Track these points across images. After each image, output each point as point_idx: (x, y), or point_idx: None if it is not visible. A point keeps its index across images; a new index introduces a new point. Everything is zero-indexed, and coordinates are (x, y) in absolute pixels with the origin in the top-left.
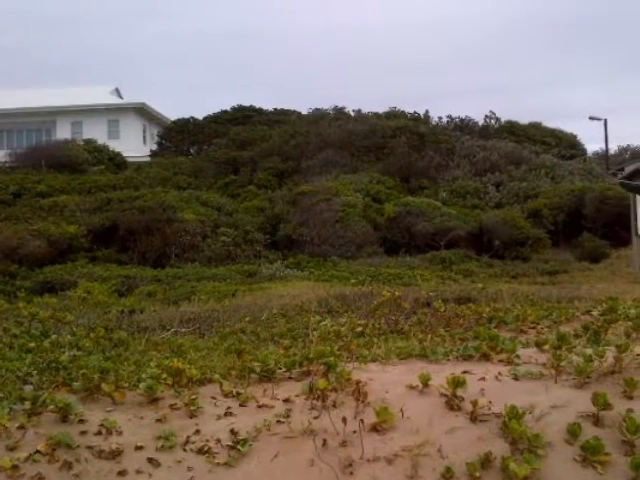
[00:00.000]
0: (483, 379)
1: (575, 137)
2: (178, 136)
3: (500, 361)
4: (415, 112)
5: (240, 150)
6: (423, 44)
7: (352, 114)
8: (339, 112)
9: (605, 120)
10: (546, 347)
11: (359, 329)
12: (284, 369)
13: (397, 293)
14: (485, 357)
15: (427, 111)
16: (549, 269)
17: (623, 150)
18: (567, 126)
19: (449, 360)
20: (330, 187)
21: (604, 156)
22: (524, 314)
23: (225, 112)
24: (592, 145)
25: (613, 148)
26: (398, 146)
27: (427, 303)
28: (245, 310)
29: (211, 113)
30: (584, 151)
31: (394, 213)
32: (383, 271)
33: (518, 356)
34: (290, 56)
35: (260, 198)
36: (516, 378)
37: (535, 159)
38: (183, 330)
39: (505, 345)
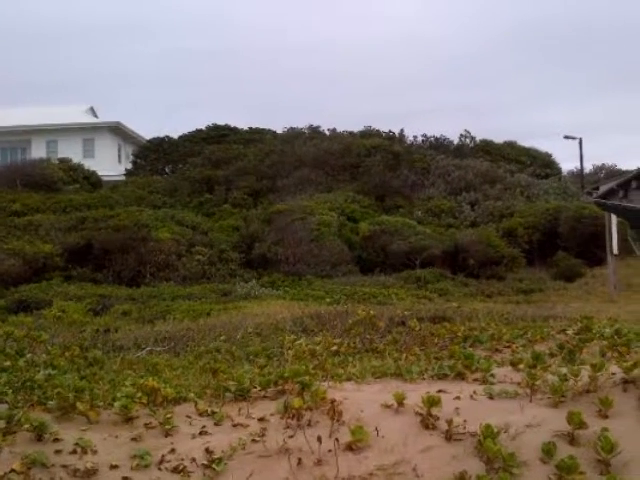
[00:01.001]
0: (458, 398)
1: (550, 156)
2: (153, 155)
3: (475, 380)
4: (390, 131)
5: (215, 169)
6: (398, 62)
7: (327, 133)
8: (314, 131)
9: (580, 139)
10: (521, 366)
11: (334, 348)
12: (259, 388)
13: (372, 312)
14: (460, 376)
15: (402, 130)
16: (524, 288)
17: (598, 169)
18: (542, 145)
19: (424, 379)
20: (305, 206)
21: (579, 175)
22: (499, 333)
23: (200, 131)
24: (567, 164)
25: (588, 167)
26: (373, 165)
27: (402, 322)
28: (220, 329)
29: (186, 132)
30: (559, 170)
31: (369, 232)
32: (358, 290)
33: (493, 375)
34: (265, 75)
35: (235, 217)
36: (491, 397)
37: (510, 178)
38: (158, 349)
39: (480, 364)
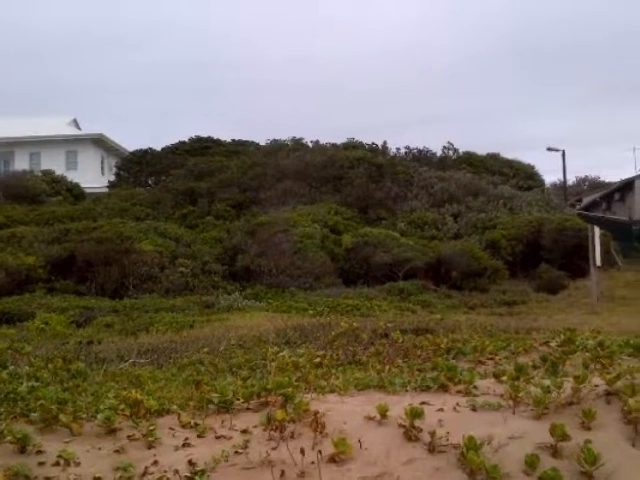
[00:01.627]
0: (441, 410)
1: (533, 168)
2: (136, 167)
3: (458, 392)
4: (373, 143)
5: (198, 181)
6: (381, 75)
7: (310, 145)
8: (297, 143)
9: (563, 151)
10: (504, 378)
11: (317, 360)
12: (242, 400)
13: (355, 324)
14: (443, 388)
15: (385, 142)
16: (507, 300)
17: (581, 181)
18: (525, 157)
19: (407, 391)
20: (288, 218)
21: (562, 187)
22: (482, 345)
23: (183, 143)
24: (550, 176)
25: (571, 179)
26: (356, 177)
27: (385, 334)
28: (203, 341)
29: (169, 144)
30: (542, 182)
31: (352, 244)
32: (341, 302)
33: (476, 387)
34: (248, 87)
35: (218, 229)
36: (474, 409)
37: (493, 190)
38: (141, 361)
39: (463, 376)
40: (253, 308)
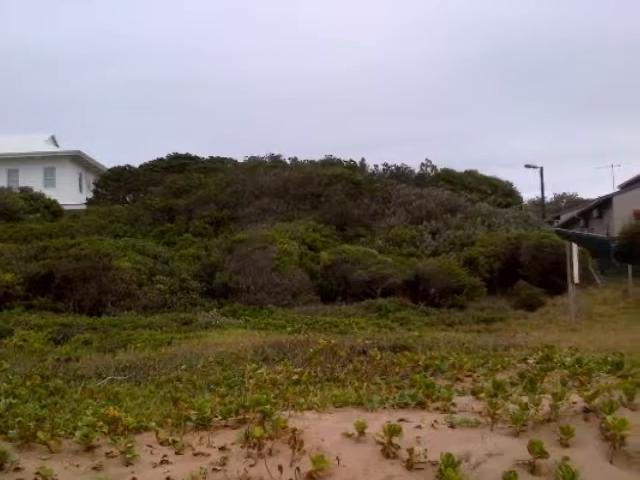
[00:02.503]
0: (419, 427)
1: (511, 185)
2: (114, 184)
3: (436, 409)
4: (351, 160)
5: (176, 198)
6: (359, 92)
7: (288, 162)
8: (275, 160)
9: (541, 168)
10: (482, 395)
11: (295, 377)
12: (220, 417)
13: (333, 341)
14: (421, 405)
15: (363, 159)
16: (485, 317)
17: (559, 198)
18: (503, 174)
19: (385, 408)
20: (266, 235)
21: (540, 204)
22: (460, 362)
23: (161, 160)
24: (528, 193)
25: (549, 196)
26: (334, 194)
27: (363, 351)
28: (181, 358)
29: (147, 161)
30: (520, 199)
31: (330, 261)
32: (319, 319)
33: (454, 404)
34: (226, 104)
35: (196, 246)
36: (452, 426)
37: (471, 207)
38: (119, 378)
39: (441, 393)
40: (231, 325)
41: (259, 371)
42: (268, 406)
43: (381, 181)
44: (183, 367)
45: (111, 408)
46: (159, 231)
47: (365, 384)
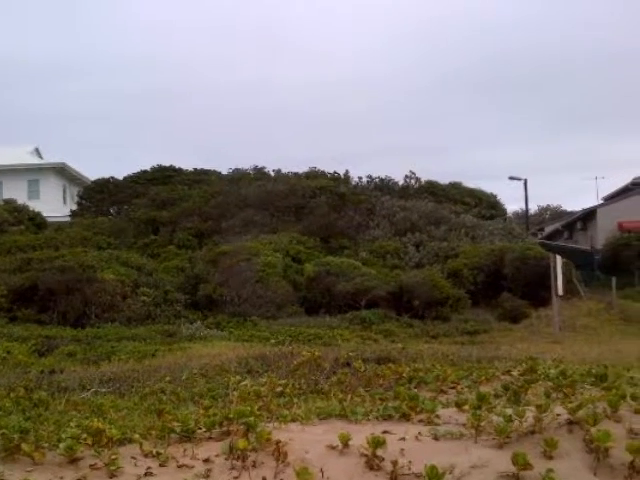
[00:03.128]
0: (403, 439)
1: (495, 197)
2: (98, 196)
3: (420, 421)
4: (335, 172)
5: (160, 210)
6: (343, 103)
7: (272, 174)
8: (259, 172)
9: (525, 180)
10: (466, 407)
11: (279, 389)
12: (204, 429)
13: (317, 353)
14: (405, 417)
15: (347, 171)
16: (469, 329)
17: (543, 210)
18: (487, 186)
19: (369, 420)
20: (250, 247)
21: (524, 216)
22: (444, 374)
23: (145, 172)
24: (512, 205)
25: (533, 208)
26: (318, 206)
27: (347, 363)
28: (165, 370)
29: (131, 173)
30: (504, 211)
31: (314, 273)
32: (303, 331)
33: (438, 416)
34: (210, 116)
35: (180, 258)
36: (436, 438)
37: (455, 219)
38: (103, 390)
39: (425, 405)
40: (215, 337)
41: (243, 383)
42: (252, 418)
43: (365, 193)
44: (167, 379)
45: (95, 420)
46: (143, 243)
47: (349, 396)
